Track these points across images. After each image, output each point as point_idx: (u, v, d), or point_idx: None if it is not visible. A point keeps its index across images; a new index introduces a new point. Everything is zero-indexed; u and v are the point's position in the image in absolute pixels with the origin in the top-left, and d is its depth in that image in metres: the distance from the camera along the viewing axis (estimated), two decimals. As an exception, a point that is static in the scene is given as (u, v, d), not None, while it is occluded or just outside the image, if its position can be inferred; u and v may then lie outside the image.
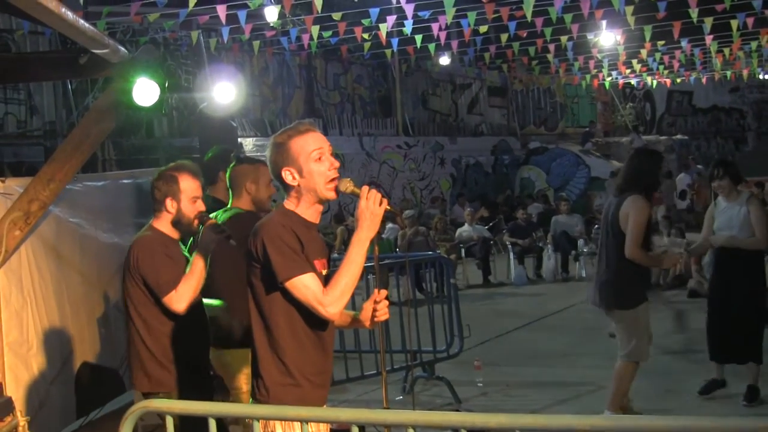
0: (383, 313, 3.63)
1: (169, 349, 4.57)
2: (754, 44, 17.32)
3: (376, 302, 3.62)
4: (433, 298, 9.30)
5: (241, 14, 11.84)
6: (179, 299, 4.46)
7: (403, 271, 10.30)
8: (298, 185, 3.47)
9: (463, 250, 16.20)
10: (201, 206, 4.70)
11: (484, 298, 14.12)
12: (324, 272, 3.53)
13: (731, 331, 7.30)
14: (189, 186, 4.64)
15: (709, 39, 15.67)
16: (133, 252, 4.58)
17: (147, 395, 4.55)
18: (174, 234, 4.71)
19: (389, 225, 15.31)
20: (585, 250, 15.97)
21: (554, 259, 15.87)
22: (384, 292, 3.68)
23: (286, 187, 3.53)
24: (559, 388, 8.12)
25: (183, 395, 4.40)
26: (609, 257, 6.61)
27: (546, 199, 22.29)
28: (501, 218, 20.66)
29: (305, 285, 3.33)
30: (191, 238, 4.98)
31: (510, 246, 16.16)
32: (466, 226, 16.98)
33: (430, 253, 11.51)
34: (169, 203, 4.61)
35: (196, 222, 4.64)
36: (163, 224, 4.66)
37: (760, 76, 25.77)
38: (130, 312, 4.61)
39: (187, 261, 4.73)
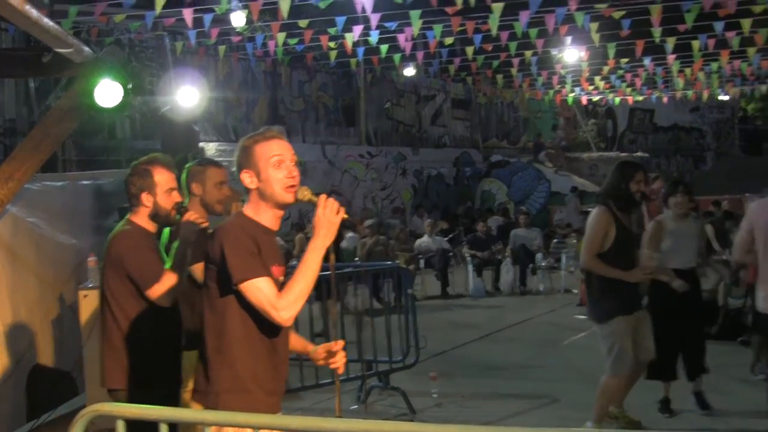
0: (338, 364, 3.71)
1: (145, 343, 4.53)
2: (714, 65, 17.56)
3: (331, 352, 3.71)
4: (391, 308, 9.29)
5: (207, 18, 11.80)
6: (163, 292, 4.46)
7: (362, 281, 10.32)
8: (256, 188, 3.50)
9: (422, 261, 16.25)
10: (177, 197, 4.69)
11: (441, 310, 14.13)
12: (281, 279, 3.54)
13: (682, 348, 7.42)
14: (163, 178, 4.63)
15: (671, 58, 15.88)
16: (114, 246, 4.54)
17: (114, 392, 4.52)
18: (152, 227, 4.69)
19: (349, 234, 15.30)
20: (543, 263, 16.07)
21: (513, 273, 15.94)
22: (341, 343, 3.75)
23: (247, 190, 3.55)
24: (515, 401, 8.13)
25: (153, 393, 4.34)
26: None
27: (506, 212, 22.37)
28: (461, 230, 20.75)
29: (259, 288, 3.33)
30: (167, 230, 4.95)
31: (469, 258, 16.21)
32: (425, 237, 17.03)
33: (389, 263, 11.52)
34: (145, 197, 4.60)
35: (173, 213, 4.63)
36: (141, 218, 4.64)
37: (720, 97, 26.12)
38: (110, 306, 4.56)
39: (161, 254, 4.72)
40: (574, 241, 16.33)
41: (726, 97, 27.66)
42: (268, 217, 3.54)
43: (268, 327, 3.44)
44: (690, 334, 7.38)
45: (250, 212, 3.53)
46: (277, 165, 3.48)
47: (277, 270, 3.51)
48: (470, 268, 16.01)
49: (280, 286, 3.44)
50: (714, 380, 7.67)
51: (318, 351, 3.78)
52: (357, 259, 14.36)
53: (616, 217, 6.44)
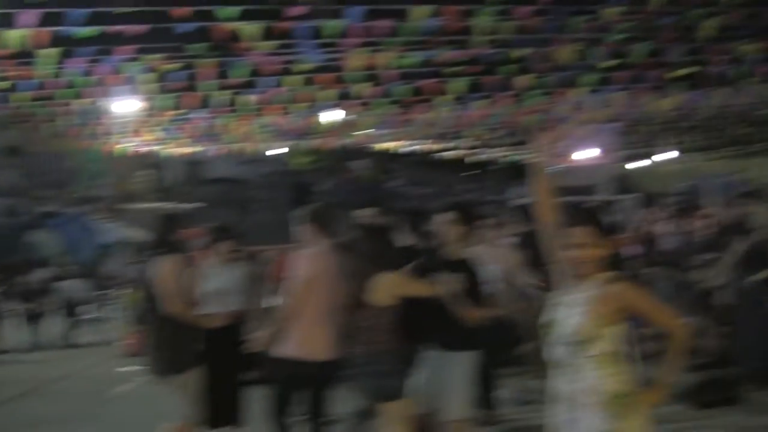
0: None
1: None
2: (263, 120, 18.31)
3: None
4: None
5: None
6: None
7: None
8: None
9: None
10: None
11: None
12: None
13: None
14: None
15: (221, 112, 16.29)
16: None
17: None
18: None
19: None
20: (90, 315, 15.81)
21: (60, 325, 15.48)
22: None
23: None
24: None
25: None
26: None
27: (56, 263, 21.60)
28: (10, 282, 19.69)
29: None
30: None
31: (16, 310, 15.50)
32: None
33: None
34: None
35: None
36: None
37: (269, 152, 27.35)
38: None
39: None
40: (124, 292, 16.15)
41: (275, 151, 28.99)
42: None
43: None
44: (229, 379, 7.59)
45: None
46: None
47: None
48: (17, 320, 15.29)
49: None
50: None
51: None
52: None
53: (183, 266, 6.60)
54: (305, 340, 6.45)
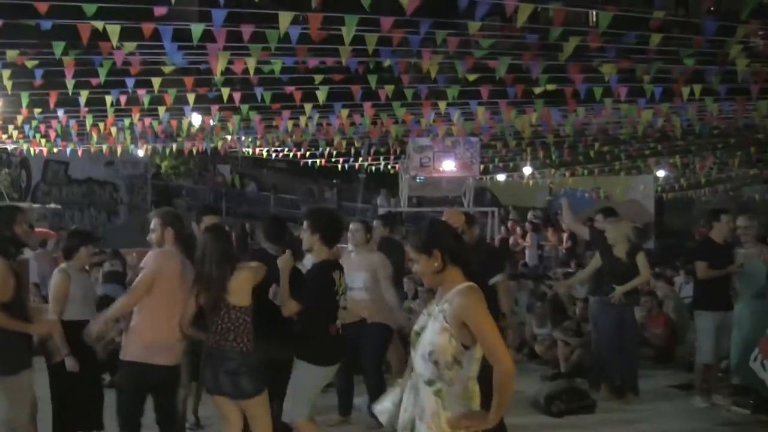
0: None
1: None
2: (127, 121, 18.08)
3: None
4: None
5: None
6: None
7: None
8: None
9: None
10: None
11: None
12: None
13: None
14: None
15: (84, 111, 16.01)
16: None
17: None
18: None
19: None
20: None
21: None
22: None
23: None
24: None
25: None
26: None
27: None
28: None
29: None
30: None
31: None
32: None
33: None
34: None
35: None
36: None
37: (133, 152, 26.90)
38: None
39: None
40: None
41: (141, 153, 28.56)
42: None
43: None
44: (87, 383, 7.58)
45: None
46: None
47: None
48: None
49: None
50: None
51: None
52: None
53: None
54: (150, 344, 6.44)
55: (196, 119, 17.64)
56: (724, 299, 10.09)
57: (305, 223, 6.96)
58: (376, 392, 6.77)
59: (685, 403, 10.23)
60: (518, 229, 25.63)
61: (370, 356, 8.77)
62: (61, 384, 7.38)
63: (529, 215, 28.64)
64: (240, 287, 6.27)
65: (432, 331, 4.35)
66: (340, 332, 6.98)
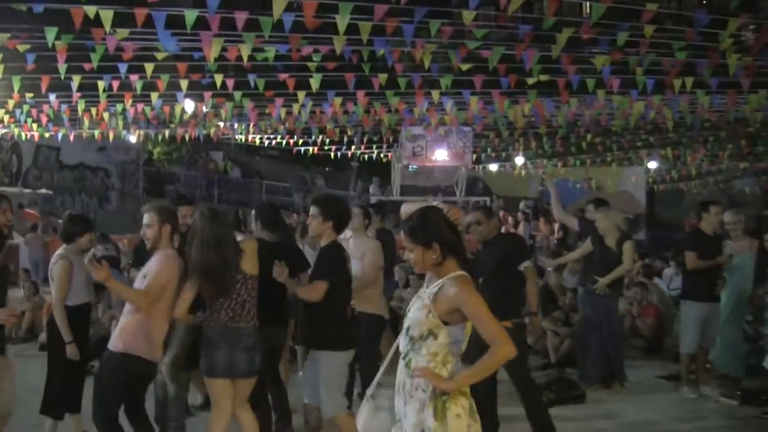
0: None
1: None
2: (119, 106, 18.04)
3: None
4: None
5: None
6: None
7: None
8: None
9: None
10: None
11: None
12: None
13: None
14: None
15: (76, 96, 15.94)
16: None
17: None
18: None
19: None
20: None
21: None
22: None
23: None
24: None
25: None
26: None
27: None
28: None
29: None
30: None
31: None
32: None
33: None
34: None
35: None
36: None
37: (125, 138, 26.83)
38: None
39: None
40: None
41: (133, 139, 28.49)
42: None
43: None
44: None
45: None
46: None
47: None
48: None
49: None
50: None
51: None
52: None
53: None
54: (151, 339, 6.41)
55: (189, 105, 17.58)
56: (711, 290, 10.14)
57: (315, 210, 6.88)
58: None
59: (674, 394, 10.29)
60: (510, 219, 25.67)
61: (363, 347, 8.75)
62: (62, 367, 7.44)
63: (521, 205, 28.71)
64: (251, 256, 6.35)
65: (414, 308, 4.51)
66: (354, 313, 6.99)
